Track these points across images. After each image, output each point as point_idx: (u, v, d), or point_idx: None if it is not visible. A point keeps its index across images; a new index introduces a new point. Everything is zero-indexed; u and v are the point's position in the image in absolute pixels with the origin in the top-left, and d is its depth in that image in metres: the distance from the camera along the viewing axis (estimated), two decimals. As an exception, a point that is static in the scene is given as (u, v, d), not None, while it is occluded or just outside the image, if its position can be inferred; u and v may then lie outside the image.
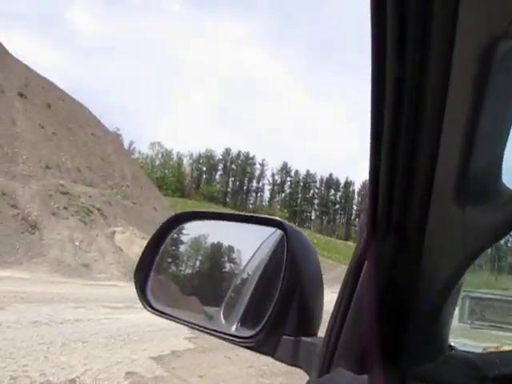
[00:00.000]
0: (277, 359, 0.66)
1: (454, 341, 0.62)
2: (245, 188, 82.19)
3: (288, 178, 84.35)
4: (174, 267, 1.10)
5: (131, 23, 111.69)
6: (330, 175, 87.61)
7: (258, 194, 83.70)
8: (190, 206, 59.41)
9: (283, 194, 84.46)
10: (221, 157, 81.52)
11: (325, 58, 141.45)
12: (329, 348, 0.55)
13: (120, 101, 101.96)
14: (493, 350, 1.20)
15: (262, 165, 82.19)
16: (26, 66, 29.80)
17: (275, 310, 0.67)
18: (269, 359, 0.68)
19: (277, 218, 0.83)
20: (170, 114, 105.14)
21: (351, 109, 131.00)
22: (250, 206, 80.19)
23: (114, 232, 17.47)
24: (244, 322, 0.82)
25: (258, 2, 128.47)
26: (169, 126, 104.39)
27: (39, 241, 13.42)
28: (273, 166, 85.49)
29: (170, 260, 1.09)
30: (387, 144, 0.42)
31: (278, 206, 77.29)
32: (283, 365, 0.66)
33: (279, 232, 0.82)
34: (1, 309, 6.16)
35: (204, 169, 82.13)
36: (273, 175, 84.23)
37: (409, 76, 0.38)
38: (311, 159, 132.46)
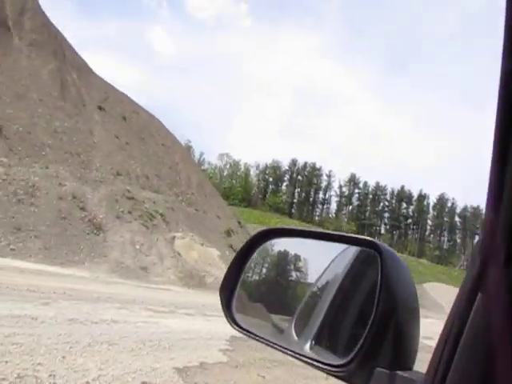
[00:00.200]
0: None
1: None
2: (311, 199, 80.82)
3: (356, 190, 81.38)
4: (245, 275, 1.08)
5: (205, 42, 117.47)
6: (402, 187, 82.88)
7: (325, 206, 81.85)
8: (256, 215, 59.70)
9: (351, 207, 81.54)
10: (287, 167, 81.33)
11: (396, 69, 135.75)
12: None
13: (192, 115, 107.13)
14: None
15: (329, 176, 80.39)
16: (107, 83, 32.24)
17: (369, 337, 0.63)
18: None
19: (368, 237, 0.80)
20: (239, 126, 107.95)
21: (423, 120, 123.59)
22: (317, 217, 78.56)
23: (174, 237, 17.83)
24: (318, 340, 0.79)
25: (329, 14, 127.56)
26: (237, 137, 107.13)
27: (102, 242, 14.03)
28: (340, 178, 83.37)
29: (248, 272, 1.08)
30: None
31: (346, 219, 74.67)
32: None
33: (355, 248, 0.83)
34: (45, 304, 6.27)
35: (270, 179, 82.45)
36: (340, 187, 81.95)
37: None
38: (381, 171, 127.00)
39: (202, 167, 78.46)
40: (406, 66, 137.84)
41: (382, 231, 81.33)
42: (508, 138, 0.34)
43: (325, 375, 0.69)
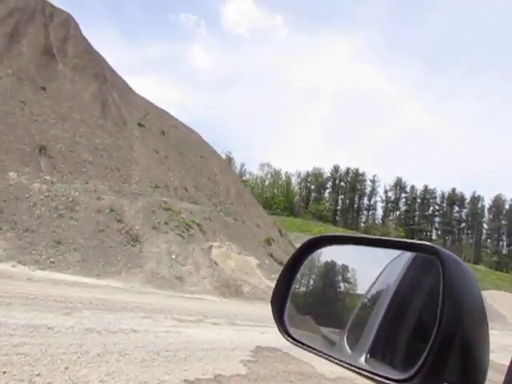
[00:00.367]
0: None
1: None
2: (355, 206, 78.52)
3: (403, 195, 77.85)
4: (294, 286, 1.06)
5: (242, 55, 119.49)
6: (453, 190, 78.25)
7: (370, 212, 79.04)
8: (298, 224, 58.87)
9: (398, 212, 78.12)
10: (329, 174, 79.77)
11: (439, 69, 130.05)
12: None
13: (233, 127, 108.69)
14: None
15: (373, 181, 77.72)
16: (146, 100, 33.40)
17: (433, 351, 0.59)
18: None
19: (427, 242, 0.75)
20: (279, 135, 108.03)
21: (470, 121, 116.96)
22: (362, 224, 76.06)
23: (210, 246, 17.76)
24: (373, 353, 0.77)
25: (366, 18, 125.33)
26: (278, 147, 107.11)
27: (139, 253, 14.19)
28: (385, 182, 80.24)
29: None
30: None
31: (393, 225, 71.60)
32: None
33: (408, 255, 0.79)
34: (67, 314, 6.25)
35: (312, 187, 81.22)
36: (385, 192, 78.86)
37: None
38: (428, 174, 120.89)
39: (244, 178, 78.98)
40: (450, 64, 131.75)
41: (434, 236, 76.93)
42: None
43: None
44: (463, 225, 78.54)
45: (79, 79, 25.97)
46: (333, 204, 77.58)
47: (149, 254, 14.43)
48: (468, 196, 78.30)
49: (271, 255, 25.53)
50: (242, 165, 75.14)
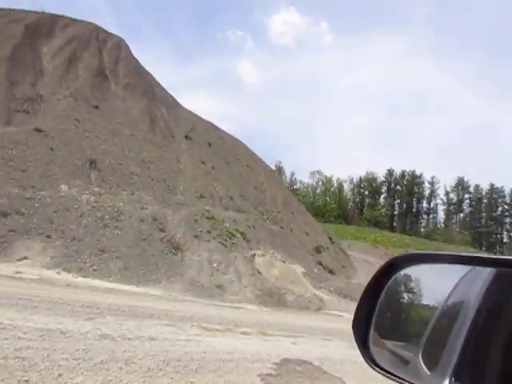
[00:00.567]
0: None
1: None
2: (414, 210, 74.24)
3: (466, 195, 72.15)
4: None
5: (289, 64, 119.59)
6: (525, 187, 71.12)
7: (430, 216, 74.19)
8: (351, 231, 56.81)
9: (462, 214, 72.55)
10: (383, 178, 76.37)
11: (498, 59, 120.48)
12: None
13: (283, 137, 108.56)
14: None
15: (432, 183, 72.89)
16: (194, 114, 34.29)
17: None
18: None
19: None
20: (329, 141, 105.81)
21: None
22: (422, 229, 71.61)
23: (253, 255, 17.44)
24: (459, 376, 0.71)
25: (415, 16, 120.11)
26: (328, 153, 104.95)
27: (180, 261, 14.25)
28: (445, 183, 74.89)
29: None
30: None
31: (457, 228, 66.62)
32: None
33: (488, 270, 0.75)
34: (88, 319, 6.22)
35: (366, 193, 78.24)
36: (446, 193, 73.58)
37: None
38: (493, 172, 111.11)
39: (294, 187, 78.13)
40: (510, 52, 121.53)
41: (505, 239, 70.30)
42: None
43: None
44: (540, 226, 71.15)
45: (130, 97, 27.26)
46: (389, 209, 73.96)
47: (190, 263, 14.44)
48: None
49: (320, 263, 24.67)
50: (292, 174, 74.35)
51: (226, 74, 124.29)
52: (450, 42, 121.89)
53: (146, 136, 25.34)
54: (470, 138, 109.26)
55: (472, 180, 73.32)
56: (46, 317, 5.72)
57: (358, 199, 79.17)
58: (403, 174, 74.62)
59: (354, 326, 0.91)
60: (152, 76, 33.16)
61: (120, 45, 31.13)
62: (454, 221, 71.47)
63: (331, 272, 24.81)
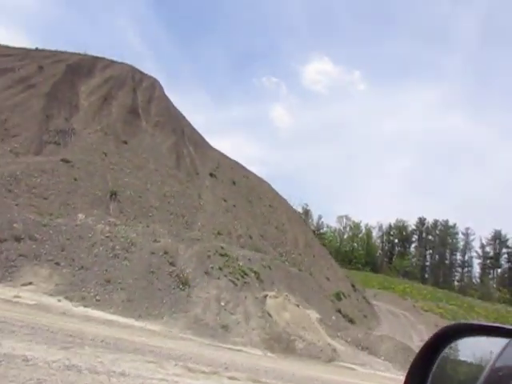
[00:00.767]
0: None
1: None
2: (446, 262, 70.39)
3: (504, 250, 67.84)
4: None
5: (321, 111, 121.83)
6: None
7: (465, 269, 69.89)
8: (379, 280, 54.30)
9: (499, 270, 67.89)
10: (414, 227, 73.61)
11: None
12: None
13: (312, 181, 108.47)
14: None
15: (467, 234, 69.32)
16: (221, 153, 34.96)
17: None
18: None
19: None
20: (358, 187, 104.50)
21: None
22: (456, 283, 67.44)
23: (265, 296, 16.73)
24: None
25: (451, 66, 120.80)
26: (357, 199, 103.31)
27: (186, 297, 13.82)
28: (481, 235, 71.03)
29: None
30: None
31: (494, 285, 62.23)
32: None
33: None
34: (63, 348, 5.91)
35: (396, 241, 75.43)
36: (482, 246, 69.51)
37: None
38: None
39: (321, 230, 76.63)
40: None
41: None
42: None
43: None
44: None
45: (159, 134, 28.21)
46: (420, 259, 70.58)
47: (197, 300, 13.97)
48: None
49: (339, 311, 23.39)
50: (319, 217, 73.17)
51: (260, 119, 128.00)
52: (487, 93, 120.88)
53: (170, 171, 25.83)
54: (505, 191, 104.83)
55: (510, 233, 69.43)
56: (18, 342, 5.48)
57: (387, 247, 76.44)
58: (435, 224, 71.75)
59: None
60: (182, 115, 34.41)
61: (154, 85, 32.75)
62: (490, 276, 66.98)
63: (351, 321, 23.42)
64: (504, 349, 0.83)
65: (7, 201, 14.80)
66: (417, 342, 25.02)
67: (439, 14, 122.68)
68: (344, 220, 72.01)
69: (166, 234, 17.49)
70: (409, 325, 29.29)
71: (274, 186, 37.40)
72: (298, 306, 17.57)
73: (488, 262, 68.17)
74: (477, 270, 69.86)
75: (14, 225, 13.12)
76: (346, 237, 77.45)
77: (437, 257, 70.89)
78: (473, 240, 70.15)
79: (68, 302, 10.70)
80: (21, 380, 4.16)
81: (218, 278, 15.80)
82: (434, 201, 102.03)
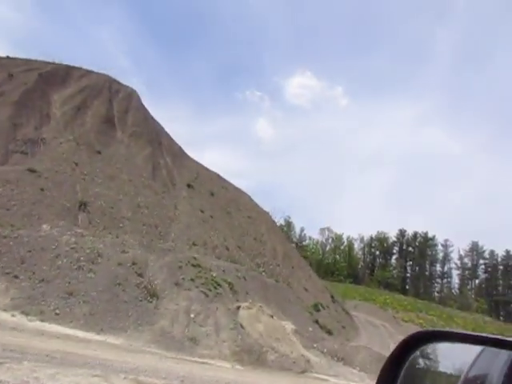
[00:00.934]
0: None
1: None
2: (426, 273, 71.03)
3: (481, 261, 68.95)
4: None
5: (304, 124, 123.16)
6: (544, 256, 67.88)
7: (444, 280, 70.60)
8: (360, 292, 54.29)
9: (477, 280, 68.80)
10: (395, 239, 74.23)
11: (508, 131, 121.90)
12: None
13: (293, 193, 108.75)
14: None
15: (446, 246, 70.23)
16: (199, 164, 34.62)
17: None
18: None
19: None
20: (340, 200, 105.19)
21: None
22: (436, 293, 67.99)
23: (238, 307, 16.33)
24: None
25: (430, 82, 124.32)
26: (339, 211, 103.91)
27: (153, 310, 13.33)
28: (459, 247, 72.13)
29: None
30: None
31: (472, 295, 62.98)
32: None
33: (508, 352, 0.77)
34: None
35: (377, 253, 75.92)
36: (460, 257, 70.58)
37: None
38: (510, 238, 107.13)
39: (303, 242, 76.47)
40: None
41: (524, 310, 65.81)
42: None
43: None
44: None
45: (134, 144, 27.73)
46: (401, 271, 71.08)
47: (165, 312, 13.49)
48: None
49: (317, 322, 23.08)
50: (302, 229, 73.17)
51: (243, 132, 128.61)
52: (463, 110, 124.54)
53: (145, 182, 25.36)
54: (483, 203, 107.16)
55: (487, 245, 70.66)
56: None
57: (368, 259, 76.80)
58: (415, 236, 72.58)
59: None
60: (161, 126, 34.03)
61: (132, 95, 32.36)
62: (469, 287, 67.83)
63: (329, 332, 23.12)
64: (477, 357, 0.84)
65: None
66: (395, 352, 24.90)
67: (418, 33, 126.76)
68: (326, 232, 72.24)
69: (137, 245, 16.99)
70: (388, 335, 29.16)
71: (256, 198, 37.13)
72: (272, 316, 17.21)
73: (466, 272, 69.08)
74: (456, 280, 70.76)
75: (-29, 236, 12.49)
76: (328, 249, 77.60)
77: (417, 268, 71.55)
78: (451, 251, 71.22)
79: (23, 317, 10.13)
80: None
81: (189, 289, 15.35)
82: (413, 213, 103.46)
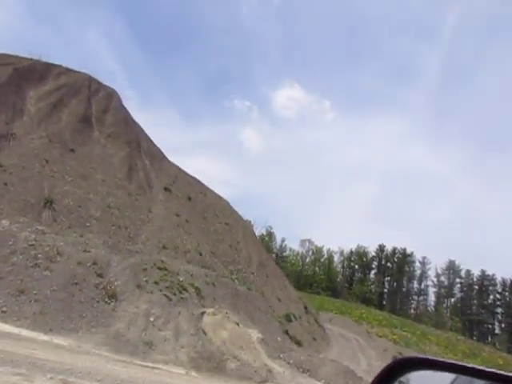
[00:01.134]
0: None
1: None
2: (404, 289, 71.42)
3: (457, 280, 69.70)
4: None
5: (290, 136, 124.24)
6: (517, 277, 68.94)
7: (421, 298, 71.08)
8: (337, 305, 54.11)
9: (453, 299, 69.41)
10: (374, 254, 74.61)
11: (494, 148, 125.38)
12: None
13: (276, 203, 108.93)
14: None
15: (423, 263, 70.92)
16: (179, 168, 34.20)
17: None
18: None
19: None
20: (322, 212, 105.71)
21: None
22: (412, 310, 68.31)
23: (203, 313, 15.91)
24: None
25: (414, 100, 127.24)
26: (320, 223, 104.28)
27: (110, 311, 12.82)
28: (437, 265, 72.90)
29: None
30: None
31: (448, 313, 63.46)
32: None
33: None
34: None
35: (356, 267, 76.15)
36: (437, 275, 71.25)
37: None
38: (485, 258, 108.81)
39: (284, 253, 76.15)
40: (506, 144, 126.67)
41: (497, 330, 66.35)
42: None
43: None
44: (535, 319, 67.59)
45: (112, 145, 27.18)
46: (379, 286, 71.32)
47: (122, 314, 12.99)
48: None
49: (287, 332, 22.75)
50: (283, 240, 73.02)
51: (230, 141, 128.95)
52: (447, 128, 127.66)
53: (119, 183, 24.81)
54: (462, 223, 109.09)
55: (463, 264, 71.46)
56: None
57: (347, 272, 76.96)
58: (394, 252, 73.10)
59: None
60: (141, 128, 33.56)
61: (112, 96, 31.87)
62: (444, 305, 68.33)
63: (298, 343, 22.80)
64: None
65: None
66: (364, 366, 24.63)
67: (405, 50, 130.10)
68: (307, 244, 72.24)
69: (101, 245, 16.46)
70: (359, 349, 28.97)
71: (240, 207, 36.91)
72: (237, 324, 16.81)
73: (443, 291, 69.66)
74: (432, 298, 71.27)
75: None
76: (308, 261, 77.48)
77: (395, 284, 71.92)
78: (429, 269, 71.85)
79: (-36, 312, 9.55)
80: None
81: (151, 292, 14.87)
82: (393, 228, 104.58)
